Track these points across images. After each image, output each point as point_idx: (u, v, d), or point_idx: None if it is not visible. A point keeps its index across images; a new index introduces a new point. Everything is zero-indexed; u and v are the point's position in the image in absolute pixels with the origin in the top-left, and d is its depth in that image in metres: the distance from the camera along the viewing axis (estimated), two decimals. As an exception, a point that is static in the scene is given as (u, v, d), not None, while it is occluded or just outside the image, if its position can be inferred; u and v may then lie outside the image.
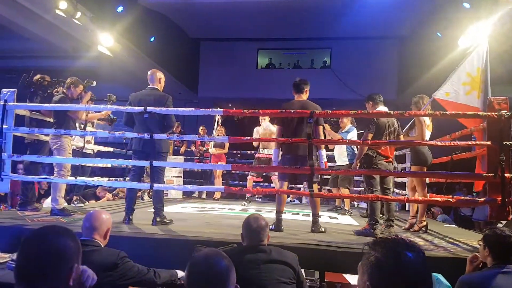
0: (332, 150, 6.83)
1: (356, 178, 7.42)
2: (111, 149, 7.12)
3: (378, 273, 1.14)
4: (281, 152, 4.56)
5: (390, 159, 4.62)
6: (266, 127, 6.85)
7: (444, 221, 7.31)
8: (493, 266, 2.49)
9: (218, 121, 7.17)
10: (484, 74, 4.30)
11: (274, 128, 6.07)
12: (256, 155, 7.16)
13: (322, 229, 4.33)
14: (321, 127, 4.51)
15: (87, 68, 10.35)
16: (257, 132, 7.11)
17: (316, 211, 4.39)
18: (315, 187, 4.33)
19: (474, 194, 8.18)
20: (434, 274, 2.58)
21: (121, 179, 7.59)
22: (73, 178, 5.02)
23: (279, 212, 4.37)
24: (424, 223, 4.71)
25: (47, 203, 5.75)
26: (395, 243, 1.18)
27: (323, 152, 4.55)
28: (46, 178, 4.52)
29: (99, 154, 6.57)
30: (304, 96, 4.59)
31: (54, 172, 4.69)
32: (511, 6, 6.66)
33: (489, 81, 4.28)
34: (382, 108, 4.64)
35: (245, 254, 2.49)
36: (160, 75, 4.69)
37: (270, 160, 6.86)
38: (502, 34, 4.24)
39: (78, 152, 5.58)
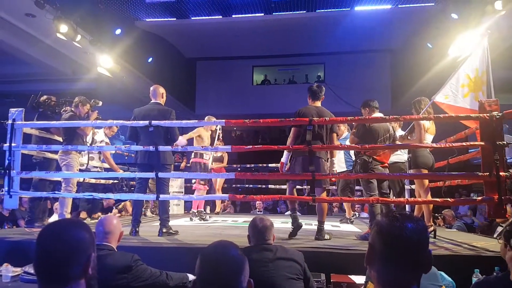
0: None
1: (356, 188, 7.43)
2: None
3: (378, 237, 1.25)
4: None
5: (386, 165, 4.69)
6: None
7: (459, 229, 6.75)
8: None
9: (218, 135, 7.30)
10: (485, 75, 4.24)
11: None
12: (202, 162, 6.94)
13: (326, 236, 4.27)
14: (334, 134, 4.58)
15: (86, 90, 10.47)
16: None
17: (322, 219, 4.33)
18: (323, 194, 4.40)
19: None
20: (437, 271, 2.64)
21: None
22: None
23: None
24: (432, 228, 4.49)
25: (53, 220, 5.80)
26: (398, 214, 1.28)
27: (335, 160, 4.66)
28: (54, 193, 4.61)
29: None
30: (319, 103, 4.59)
31: (62, 187, 4.80)
32: (498, 15, 6.88)
33: (491, 82, 4.22)
34: (377, 114, 4.68)
35: (252, 253, 2.57)
36: (162, 90, 4.90)
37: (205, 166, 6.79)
38: (490, 43, 4.37)
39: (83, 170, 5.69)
